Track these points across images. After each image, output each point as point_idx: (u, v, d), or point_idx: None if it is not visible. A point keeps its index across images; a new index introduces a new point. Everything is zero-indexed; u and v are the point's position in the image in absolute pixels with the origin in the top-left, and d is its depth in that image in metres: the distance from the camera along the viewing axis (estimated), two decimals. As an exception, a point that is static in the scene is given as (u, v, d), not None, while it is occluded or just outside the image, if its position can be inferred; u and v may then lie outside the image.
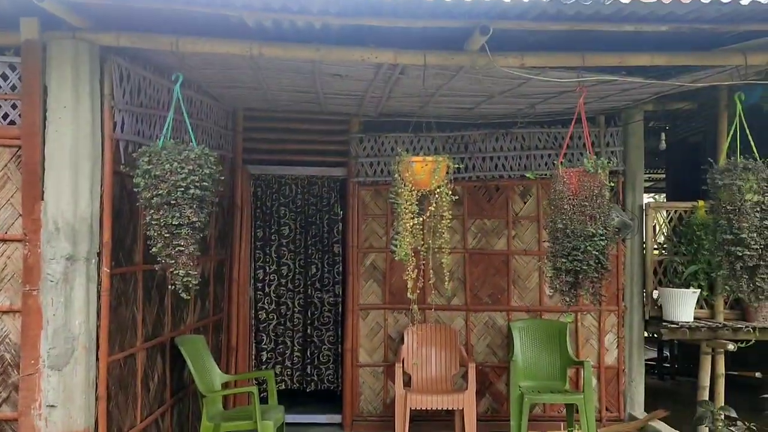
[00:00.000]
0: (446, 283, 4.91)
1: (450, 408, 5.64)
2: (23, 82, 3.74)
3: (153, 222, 3.73)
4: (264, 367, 7.02)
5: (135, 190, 3.84)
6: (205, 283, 5.60)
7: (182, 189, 3.68)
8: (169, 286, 3.85)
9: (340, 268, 7.10)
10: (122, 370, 4.17)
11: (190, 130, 4.12)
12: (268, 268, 7.16)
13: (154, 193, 3.70)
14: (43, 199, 3.70)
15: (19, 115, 3.77)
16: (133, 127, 4.16)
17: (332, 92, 5.41)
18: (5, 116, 3.81)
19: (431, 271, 5.03)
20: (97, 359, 3.84)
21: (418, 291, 5.08)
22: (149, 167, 3.72)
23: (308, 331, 7.22)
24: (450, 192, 4.44)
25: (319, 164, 6.56)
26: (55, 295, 3.68)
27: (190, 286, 3.79)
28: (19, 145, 3.75)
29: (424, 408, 5.55)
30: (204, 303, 5.74)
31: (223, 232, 6.15)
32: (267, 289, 7.15)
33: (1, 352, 3.73)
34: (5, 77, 3.81)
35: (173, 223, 3.69)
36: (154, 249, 3.77)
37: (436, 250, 4.53)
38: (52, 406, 3.65)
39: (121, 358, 4.14)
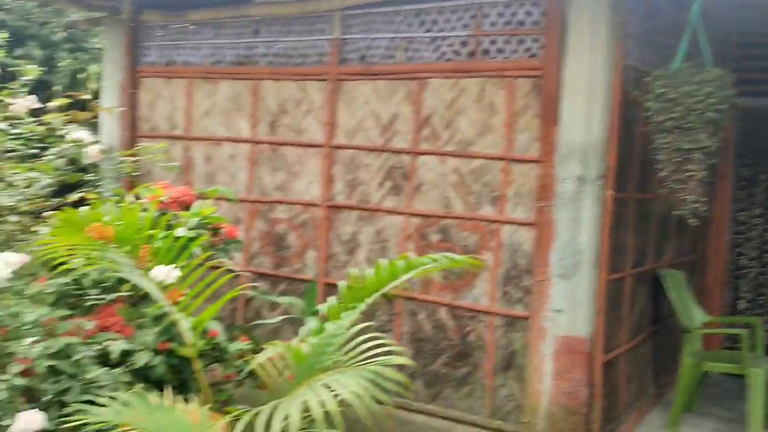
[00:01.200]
0: None
1: None
2: (546, 17, 4.10)
3: (663, 146, 3.75)
4: (739, 316, 6.52)
5: (641, 115, 3.89)
6: (682, 220, 5.43)
7: (697, 112, 3.60)
8: (673, 213, 3.83)
9: None
10: (614, 291, 4.36)
11: (707, 52, 3.95)
12: (752, 211, 6.55)
13: (667, 117, 3.70)
14: (557, 125, 4.05)
15: (540, 48, 4.16)
16: (639, 53, 4.20)
17: None
18: (527, 50, 4.23)
19: None
20: (597, 276, 4.09)
21: None
22: (663, 90, 3.72)
23: (795, 285, 6.42)
24: None
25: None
26: (565, 212, 4.02)
27: (699, 212, 3.72)
28: (538, 75, 4.14)
29: None
30: (681, 240, 5.58)
31: (705, 169, 5.83)
32: (749, 234, 6.56)
33: (516, 259, 4.27)
34: (529, 14, 4.22)
35: (685, 147, 3.65)
36: (662, 173, 3.79)
37: None
38: (559, 310, 4.05)
39: (613, 279, 4.33)
